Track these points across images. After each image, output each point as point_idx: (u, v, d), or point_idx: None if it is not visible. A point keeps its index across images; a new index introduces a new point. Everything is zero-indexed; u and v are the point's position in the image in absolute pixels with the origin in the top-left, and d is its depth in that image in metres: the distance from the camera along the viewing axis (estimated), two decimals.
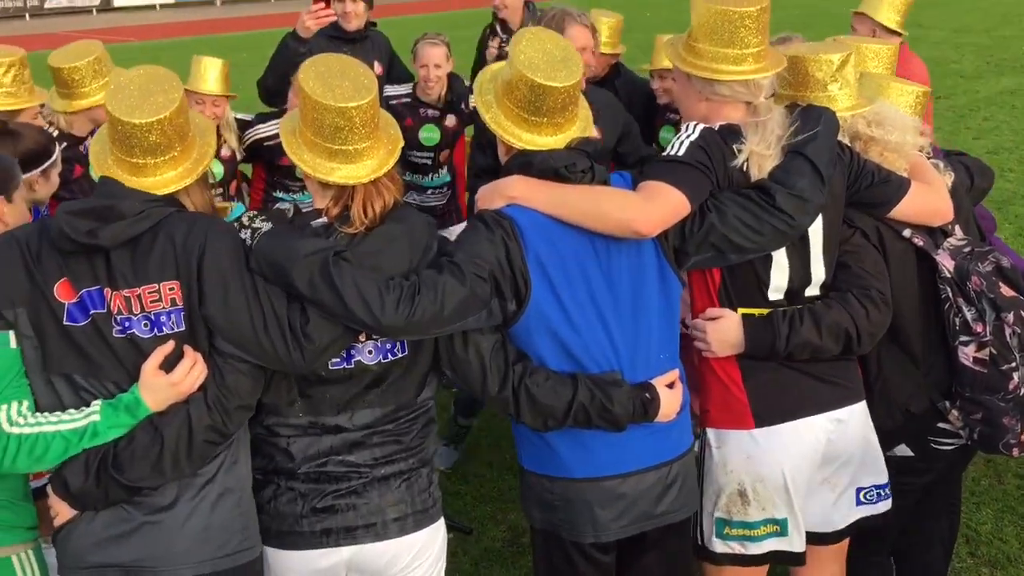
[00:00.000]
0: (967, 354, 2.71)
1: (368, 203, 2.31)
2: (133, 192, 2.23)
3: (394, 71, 5.45)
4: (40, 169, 3.02)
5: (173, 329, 2.23)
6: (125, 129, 2.22)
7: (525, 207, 2.41)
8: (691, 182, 2.43)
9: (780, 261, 2.59)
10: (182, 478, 2.26)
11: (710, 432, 2.72)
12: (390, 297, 2.21)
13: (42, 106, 3.85)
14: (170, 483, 2.26)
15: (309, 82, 2.25)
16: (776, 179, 2.46)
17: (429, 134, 5.05)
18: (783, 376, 2.65)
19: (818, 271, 2.65)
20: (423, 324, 2.24)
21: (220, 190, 4.56)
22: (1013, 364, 2.65)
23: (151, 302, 2.21)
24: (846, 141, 2.75)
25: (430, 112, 5.02)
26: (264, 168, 4.88)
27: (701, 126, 2.53)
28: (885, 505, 2.81)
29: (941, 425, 2.84)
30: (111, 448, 2.20)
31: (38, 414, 2.19)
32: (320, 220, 2.35)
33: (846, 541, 2.87)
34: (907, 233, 2.75)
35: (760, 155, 2.49)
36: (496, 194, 2.45)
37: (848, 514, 2.80)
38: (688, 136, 2.51)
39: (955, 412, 2.78)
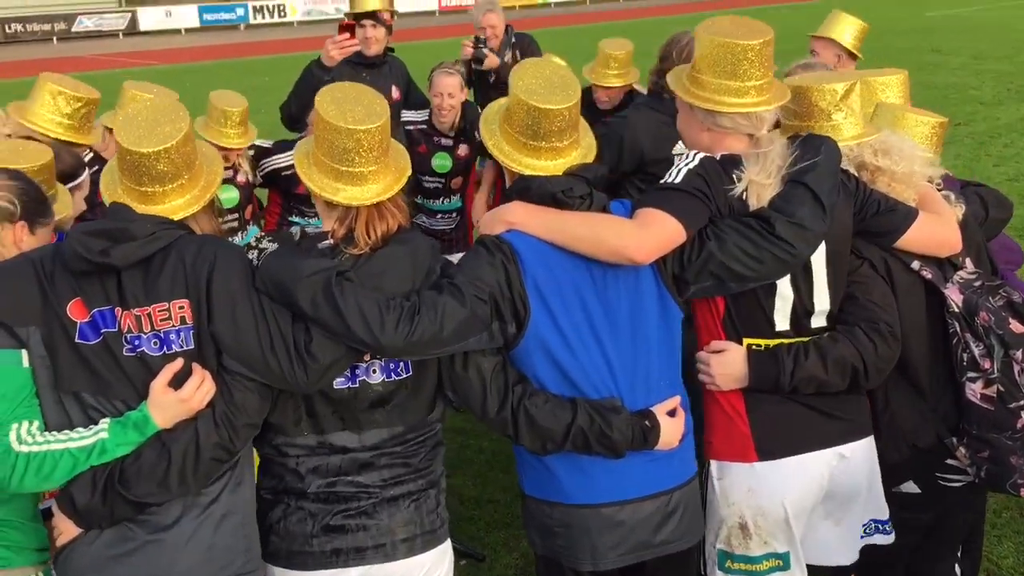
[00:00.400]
0: (974, 390, 2.66)
1: (371, 225, 2.35)
2: (144, 216, 2.28)
3: (411, 97, 5.56)
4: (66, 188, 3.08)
5: (182, 347, 2.26)
6: (133, 158, 2.27)
7: (523, 233, 2.44)
8: (687, 209, 2.43)
9: (784, 291, 2.58)
10: (187, 495, 2.28)
11: (713, 464, 2.70)
12: (390, 317, 2.23)
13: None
14: (174, 503, 2.27)
15: (324, 105, 2.32)
16: (776, 207, 2.45)
17: (441, 161, 5.20)
18: (788, 409, 2.62)
19: (822, 301, 2.62)
20: (423, 344, 2.27)
21: (236, 215, 4.62)
22: (1021, 402, 2.59)
23: (161, 320, 2.24)
24: (852, 170, 2.74)
25: (443, 140, 5.18)
26: (280, 195, 4.97)
27: (701, 154, 2.54)
28: (886, 540, 2.78)
29: (949, 461, 2.79)
30: (118, 464, 2.22)
31: (47, 433, 2.20)
32: (326, 242, 2.39)
33: None
34: (915, 265, 2.71)
35: (759, 184, 2.49)
36: (496, 220, 2.48)
37: (849, 549, 2.77)
38: (687, 164, 2.52)
39: (962, 449, 2.73)
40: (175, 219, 2.33)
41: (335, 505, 2.41)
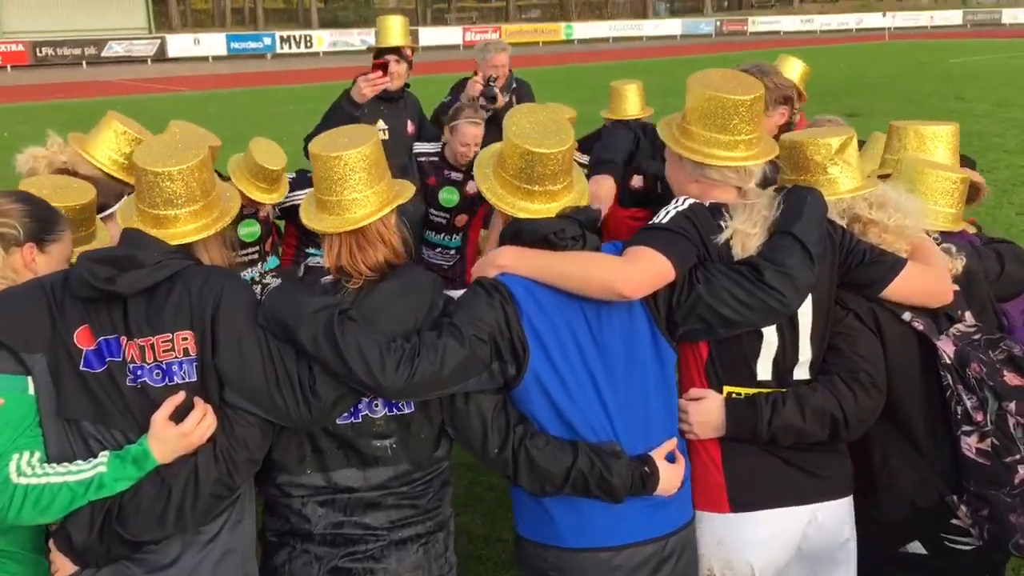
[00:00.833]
0: (969, 444, 2.58)
1: (353, 254, 2.35)
2: (154, 242, 2.29)
3: (424, 131, 5.69)
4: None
5: (184, 379, 2.25)
6: (148, 179, 2.29)
7: (516, 275, 2.45)
8: (676, 249, 2.44)
9: (769, 339, 2.57)
10: (184, 533, 2.26)
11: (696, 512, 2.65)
12: (391, 359, 2.23)
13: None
14: (174, 541, 2.26)
15: (317, 142, 2.38)
16: (765, 256, 2.46)
17: (448, 195, 5.23)
18: (765, 462, 2.59)
19: (805, 352, 2.61)
20: (423, 385, 2.27)
21: (256, 248, 4.63)
22: (1017, 456, 2.51)
23: (164, 351, 2.24)
24: (843, 222, 2.73)
25: (453, 175, 5.21)
26: (296, 227, 4.99)
27: (691, 200, 2.56)
28: None
29: (954, 522, 2.68)
30: (116, 501, 2.21)
31: (46, 465, 2.19)
32: (328, 277, 2.40)
33: None
34: (907, 316, 2.66)
35: (744, 233, 2.50)
36: (487, 264, 2.51)
37: None
38: (676, 207, 2.54)
39: (963, 508, 2.63)
40: (185, 244, 2.34)
41: (342, 548, 2.39)
